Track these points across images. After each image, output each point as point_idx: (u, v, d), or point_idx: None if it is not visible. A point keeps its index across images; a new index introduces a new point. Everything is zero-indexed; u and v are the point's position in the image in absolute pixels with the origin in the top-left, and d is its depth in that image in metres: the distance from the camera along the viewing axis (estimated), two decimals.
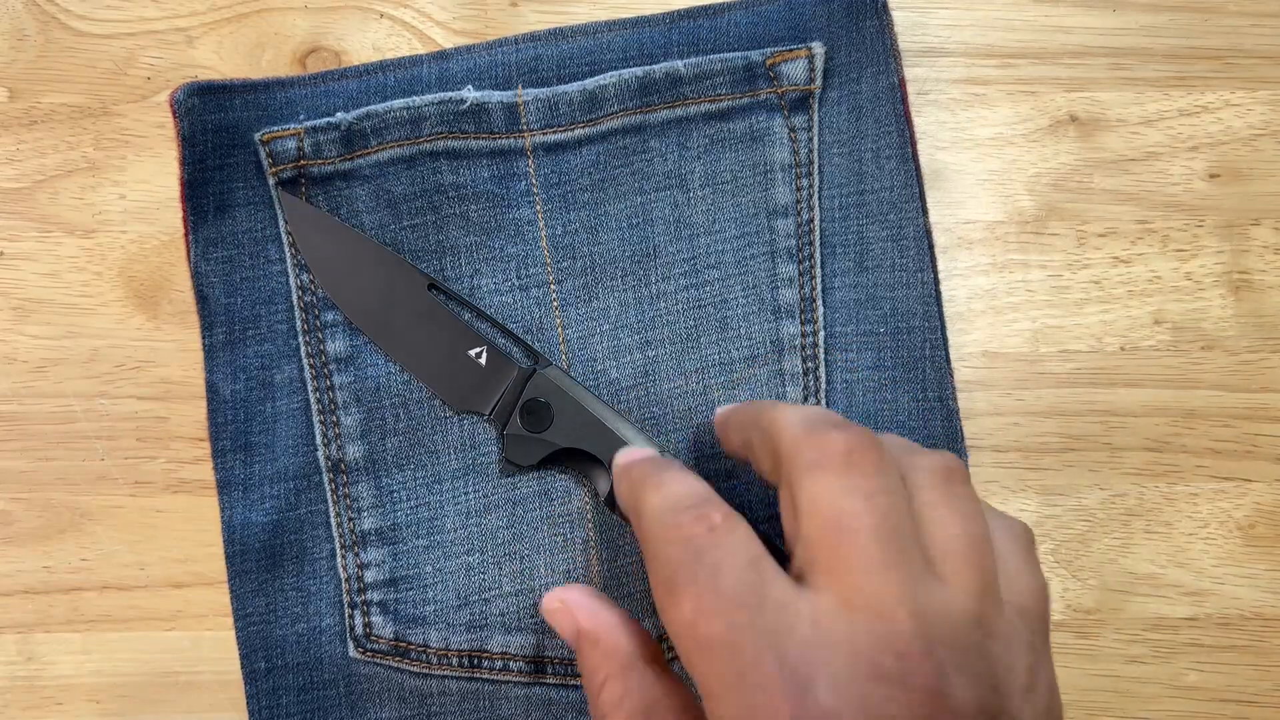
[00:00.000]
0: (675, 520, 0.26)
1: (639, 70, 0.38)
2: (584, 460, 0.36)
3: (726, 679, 0.23)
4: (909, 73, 0.40)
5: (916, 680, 0.22)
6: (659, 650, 0.29)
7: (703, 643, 0.24)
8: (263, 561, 0.38)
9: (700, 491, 0.28)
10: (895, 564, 0.24)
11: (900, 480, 0.26)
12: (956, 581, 0.24)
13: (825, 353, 0.38)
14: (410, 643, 0.38)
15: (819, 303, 0.38)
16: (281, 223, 0.38)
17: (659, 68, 0.38)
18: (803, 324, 0.38)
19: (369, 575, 0.38)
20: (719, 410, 0.34)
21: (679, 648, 0.25)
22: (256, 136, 0.38)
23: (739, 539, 0.25)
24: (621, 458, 0.33)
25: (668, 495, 0.28)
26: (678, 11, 0.39)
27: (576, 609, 0.30)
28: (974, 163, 0.40)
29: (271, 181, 0.38)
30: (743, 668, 0.23)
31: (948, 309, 0.39)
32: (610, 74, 0.38)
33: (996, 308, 0.40)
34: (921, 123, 0.40)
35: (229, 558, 0.38)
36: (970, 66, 0.41)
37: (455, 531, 0.38)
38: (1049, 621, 0.26)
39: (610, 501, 0.35)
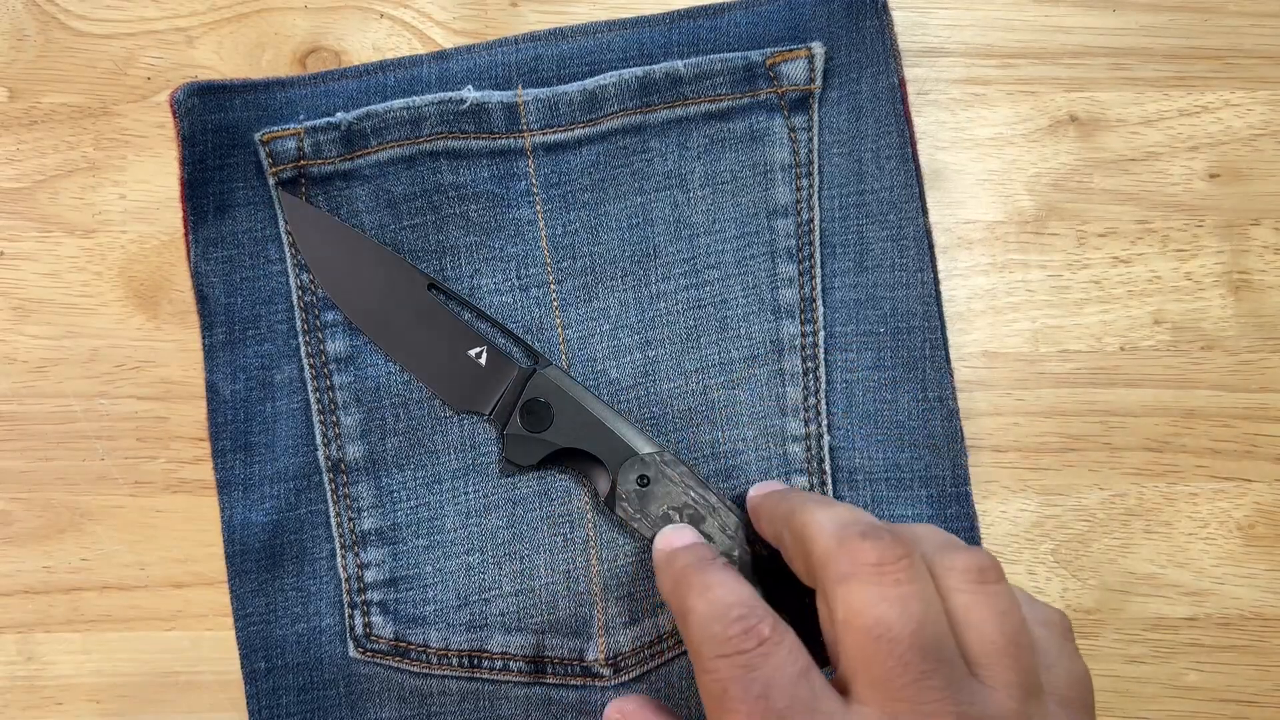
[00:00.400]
0: (725, 632, 0.26)
1: (639, 70, 0.38)
2: (584, 460, 0.36)
3: None
4: (909, 73, 0.40)
5: None
6: None
7: None
8: (263, 561, 0.38)
9: (747, 599, 0.27)
10: (935, 671, 0.24)
11: (933, 584, 0.26)
12: (998, 683, 0.25)
13: (825, 353, 0.38)
14: (410, 643, 0.38)
15: (819, 303, 0.38)
16: (281, 223, 0.38)
17: (659, 68, 0.38)
18: (803, 324, 0.38)
19: (369, 575, 0.38)
20: (752, 491, 0.34)
21: None
22: (256, 136, 0.38)
23: (788, 652, 0.26)
24: (663, 542, 0.33)
25: (715, 602, 0.28)
26: (678, 11, 0.39)
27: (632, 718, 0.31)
28: (974, 163, 0.40)
29: (271, 181, 0.38)
30: None
31: (948, 309, 0.39)
32: (610, 74, 0.38)
33: (996, 308, 0.40)
34: (921, 123, 0.40)
35: (229, 558, 0.38)
36: (970, 66, 0.41)
37: (455, 531, 0.38)
38: (1093, 708, 0.27)
39: (610, 501, 0.35)
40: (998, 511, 0.39)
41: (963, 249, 0.40)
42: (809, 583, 0.28)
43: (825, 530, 0.27)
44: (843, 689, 0.25)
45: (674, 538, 0.33)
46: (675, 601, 0.30)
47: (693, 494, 0.35)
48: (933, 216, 0.40)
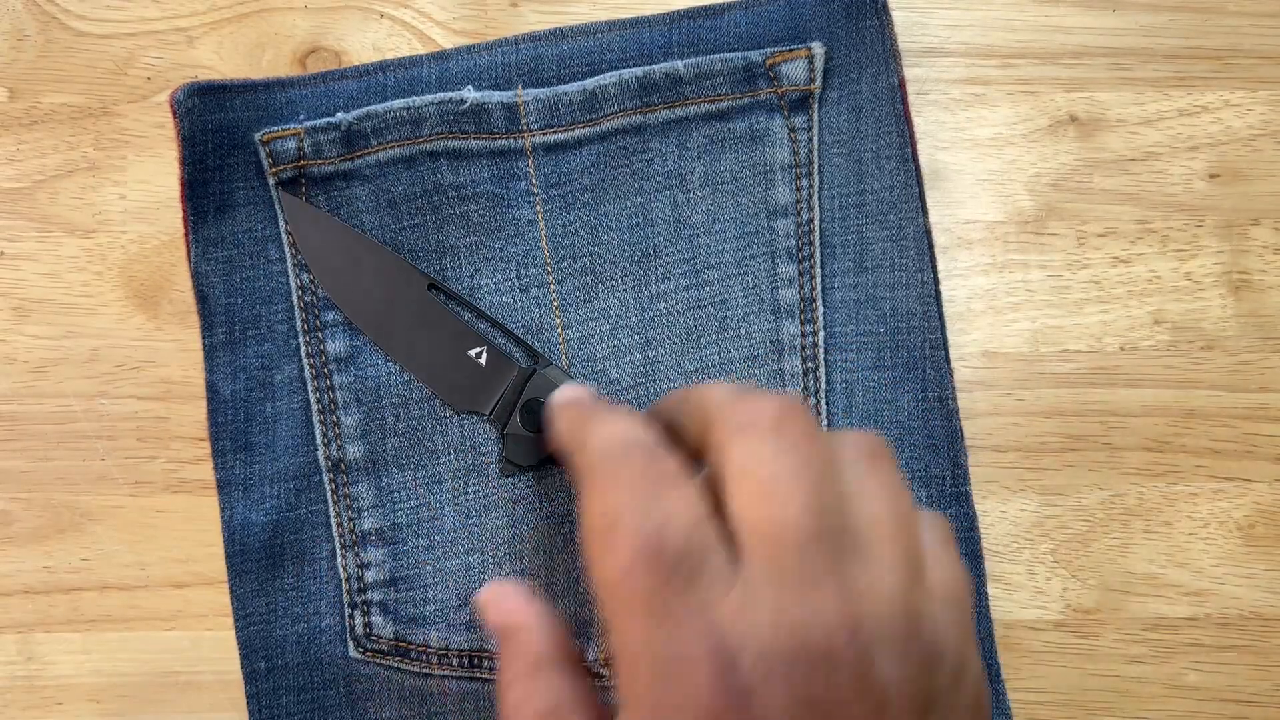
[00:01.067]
0: (628, 458, 0.25)
1: (639, 70, 0.38)
2: None
3: (651, 640, 0.23)
4: (909, 73, 0.40)
5: (843, 657, 0.22)
6: (574, 651, 0.28)
7: (632, 596, 0.23)
8: (263, 561, 0.38)
9: (654, 435, 0.26)
10: (822, 539, 0.23)
11: (830, 451, 0.25)
12: (884, 563, 0.23)
13: (825, 353, 0.38)
14: (410, 643, 0.38)
15: (819, 303, 0.38)
16: (281, 223, 0.38)
17: (659, 68, 0.38)
18: (802, 324, 0.38)
19: (369, 575, 0.38)
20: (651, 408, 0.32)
21: (603, 594, 0.24)
22: (257, 136, 0.38)
23: (693, 493, 0.24)
24: (560, 395, 0.31)
25: (619, 431, 0.26)
26: (678, 12, 0.39)
27: (501, 602, 0.29)
28: (974, 163, 0.40)
29: (271, 181, 0.38)
30: (669, 630, 0.22)
31: (948, 309, 0.39)
32: (610, 74, 0.38)
33: (996, 308, 0.40)
34: (921, 123, 0.40)
35: (229, 558, 0.38)
36: (970, 66, 0.41)
37: (455, 531, 0.38)
38: (973, 617, 0.25)
39: None
40: (998, 511, 0.39)
41: (963, 249, 0.40)
42: (699, 453, 0.27)
43: (725, 390, 0.26)
44: (727, 543, 0.24)
45: (574, 390, 0.31)
46: (571, 437, 0.28)
47: None
48: (933, 216, 0.40)
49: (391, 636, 0.38)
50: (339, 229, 0.38)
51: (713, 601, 0.22)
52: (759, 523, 0.23)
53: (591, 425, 0.27)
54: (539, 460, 0.37)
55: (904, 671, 0.22)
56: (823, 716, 0.21)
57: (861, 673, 0.22)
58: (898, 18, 0.39)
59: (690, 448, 0.27)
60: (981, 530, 0.39)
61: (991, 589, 0.39)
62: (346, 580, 0.38)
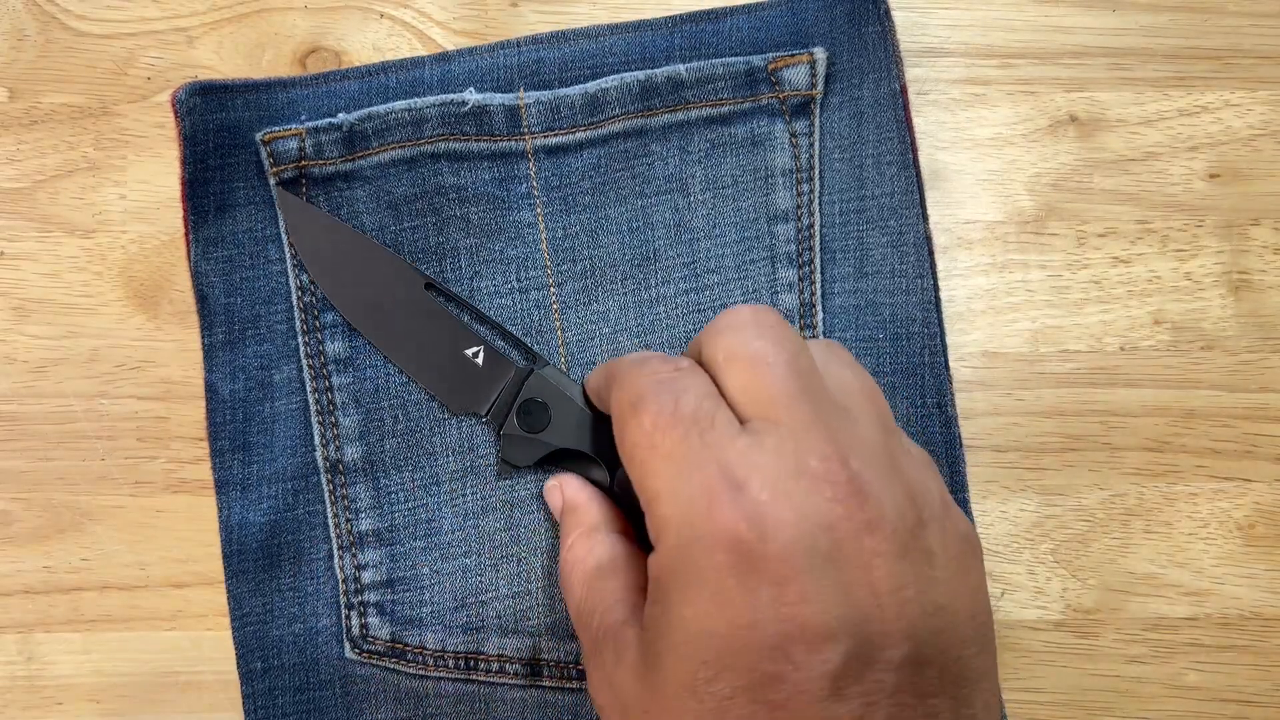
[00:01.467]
0: (648, 364, 0.29)
1: (640, 74, 0.38)
2: (581, 461, 0.36)
3: (673, 482, 0.26)
4: (909, 73, 0.40)
5: (839, 477, 0.25)
6: (625, 524, 0.34)
7: (656, 450, 0.27)
8: (260, 562, 0.38)
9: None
10: (809, 396, 0.27)
11: (800, 337, 0.29)
12: (861, 416, 0.27)
13: None
14: (407, 644, 0.38)
15: (819, 308, 0.38)
16: (282, 222, 0.38)
17: (661, 71, 0.38)
18: (802, 329, 0.38)
19: (366, 576, 0.38)
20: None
21: (632, 459, 0.28)
22: (258, 136, 0.38)
23: (703, 380, 0.28)
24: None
25: (644, 353, 0.31)
26: (680, 15, 0.39)
27: (565, 485, 0.35)
28: (974, 163, 0.40)
29: (272, 181, 0.38)
30: (689, 472, 0.26)
31: (947, 309, 0.39)
32: (612, 77, 0.38)
33: (996, 308, 0.40)
34: (921, 123, 0.40)
35: (226, 557, 0.38)
36: (970, 66, 0.41)
37: (453, 533, 0.38)
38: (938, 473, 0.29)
39: None
40: (998, 511, 0.39)
41: (963, 249, 0.40)
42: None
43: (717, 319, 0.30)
44: None
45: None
46: (604, 376, 0.33)
47: None
48: (933, 216, 0.40)
49: (388, 638, 0.38)
50: (336, 227, 0.38)
51: (723, 445, 0.26)
52: (752, 389, 0.27)
53: (614, 360, 0.33)
54: (535, 461, 0.37)
55: (891, 496, 0.26)
56: (825, 529, 0.25)
57: (854, 491, 0.25)
58: (898, 18, 0.39)
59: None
60: (981, 530, 0.39)
61: (991, 589, 0.39)
62: (343, 581, 0.38)
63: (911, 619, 0.25)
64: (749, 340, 0.28)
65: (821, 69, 0.38)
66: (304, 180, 0.38)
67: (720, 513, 0.25)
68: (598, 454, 0.36)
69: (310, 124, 0.38)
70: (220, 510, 0.38)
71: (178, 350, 0.40)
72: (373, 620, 0.38)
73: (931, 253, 0.38)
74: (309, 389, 0.38)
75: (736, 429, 0.26)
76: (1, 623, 0.39)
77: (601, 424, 0.36)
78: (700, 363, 0.29)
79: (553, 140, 0.39)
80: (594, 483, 0.37)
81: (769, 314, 0.29)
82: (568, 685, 0.37)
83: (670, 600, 0.26)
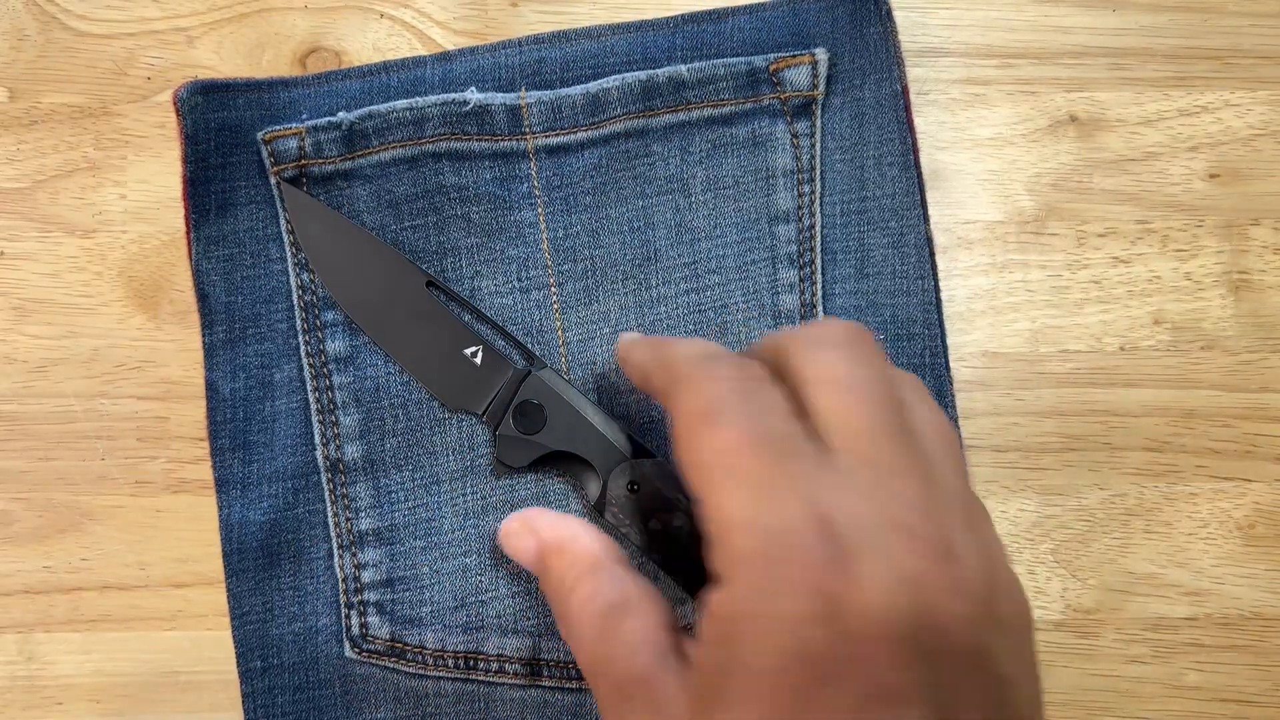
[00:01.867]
0: (719, 363, 0.27)
1: (642, 74, 0.38)
2: (575, 464, 0.36)
3: (753, 512, 0.24)
4: (909, 73, 0.40)
5: (923, 530, 0.24)
6: (623, 554, 0.30)
7: (734, 474, 0.25)
8: (260, 561, 0.38)
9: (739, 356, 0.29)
10: (901, 434, 0.25)
11: (891, 367, 0.28)
12: (945, 461, 0.26)
13: None
14: (406, 643, 0.37)
15: (819, 308, 0.38)
16: (283, 220, 0.38)
17: (662, 72, 0.38)
18: None
19: (366, 575, 0.38)
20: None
21: (702, 478, 0.25)
22: (259, 135, 0.38)
23: (782, 392, 0.26)
24: (628, 335, 0.33)
25: (701, 345, 0.29)
26: (682, 15, 0.39)
27: (538, 523, 0.31)
28: (974, 163, 0.40)
29: (273, 180, 0.38)
30: (773, 503, 0.24)
31: (947, 309, 0.39)
32: (613, 77, 0.38)
33: (996, 308, 0.40)
34: (921, 123, 0.40)
35: (226, 556, 0.38)
36: (970, 66, 0.41)
37: (453, 533, 0.38)
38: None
39: (600, 506, 0.35)
40: (998, 511, 0.39)
41: (963, 249, 0.40)
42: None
43: (795, 329, 0.29)
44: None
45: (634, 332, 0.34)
46: (656, 353, 0.30)
47: (683, 502, 0.34)
48: (933, 217, 0.40)
49: (387, 637, 0.38)
50: (339, 223, 0.38)
51: (811, 477, 0.24)
52: (847, 417, 0.25)
53: (670, 345, 0.30)
54: (531, 462, 0.36)
55: (968, 549, 0.25)
56: (910, 580, 0.23)
57: (943, 552, 0.24)
58: (898, 18, 0.39)
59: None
60: None
61: None
62: (343, 580, 0.38)
63: (985, 689, 0.24)
64: (847, 366, 0.26)
65: (823, 70, 0.38)
66: (305, 179, 0.38)
67: (809, 556, 0.23)
68: (591, 458, 0.36)
69: (310, 123, 0.38)
70: (220, 509, 0.38)
71: (178, 350, 0.40)
72: (372, 619, 0.38)
73: (933, 254, 0.38)
74: (309, 388, 0.38)
75: (821, 458, 0.25)
76: (1, 623, 0.39)
77: (596, 429, 0.36)
78: (774, 368, 0.28)
79: (554, 140, 0.39)
80: (584, 491, 0.37)
81: (864, 336, 0.27)
82: (568, 685, 0.37)
83: (744, 644, 0.24)
